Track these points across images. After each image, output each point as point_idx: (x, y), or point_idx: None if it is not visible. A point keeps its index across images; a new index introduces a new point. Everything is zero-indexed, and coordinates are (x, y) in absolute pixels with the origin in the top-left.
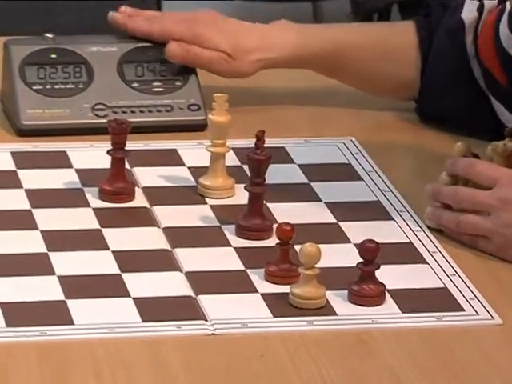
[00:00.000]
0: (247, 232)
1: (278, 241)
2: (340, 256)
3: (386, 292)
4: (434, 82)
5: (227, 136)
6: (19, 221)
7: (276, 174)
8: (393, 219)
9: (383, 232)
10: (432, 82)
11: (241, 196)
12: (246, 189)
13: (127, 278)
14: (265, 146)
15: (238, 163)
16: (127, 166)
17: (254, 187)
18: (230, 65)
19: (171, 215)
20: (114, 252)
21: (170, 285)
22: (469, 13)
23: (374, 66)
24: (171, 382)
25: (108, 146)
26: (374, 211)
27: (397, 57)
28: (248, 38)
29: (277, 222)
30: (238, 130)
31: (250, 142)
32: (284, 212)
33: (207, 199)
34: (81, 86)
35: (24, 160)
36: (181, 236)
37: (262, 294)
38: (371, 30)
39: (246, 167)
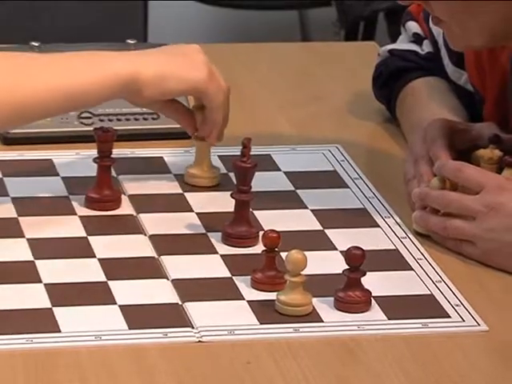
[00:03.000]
0: (233, 239)
1: (264, 248)
2: (326, 263)
3: (372, 299)
4: None
5: None
6: (5, 229)
7: (262, 182)
8: (379, 226)
9: (369, 239)
10: None
11: (227, 203)
12: (232, 196)
13: (113, 285)
14: (251, 153)
15: (225, 171)
16: (113, 173)
17: (240, 195)
18: None
19: (157, 223)
20: (100, 260)
21: (156, 292)
22: None
23: None
24: None
25: (94, 153)
26: (359, 218)
27: None
28: None
29: (263, 229)
30: (224, 138)
31: (236, 150)
32: (270, 219)
33: (194, 207)
34: None
35: (10, 168)
36: (167, 243)
37: (248, 301)
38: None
39: (232, 175)
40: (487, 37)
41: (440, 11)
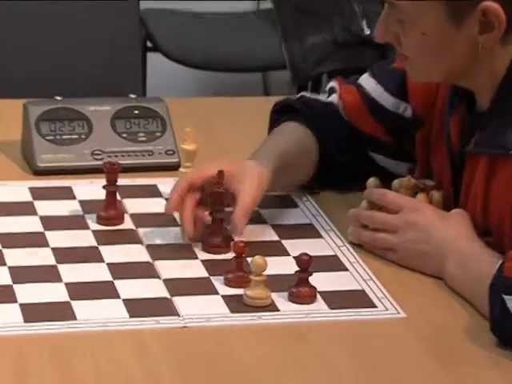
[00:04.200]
0: (211, 248)
1: (234, 254)
2: (282, 266)
3: (318, 293)
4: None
5: (194, 160)
6: (35, 240)
7: None
8: (322, 237)
9: (315, 247)
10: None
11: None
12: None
13: (118, 283)
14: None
15: None
16: (118, 197)
17: (216, 213)
18: None
19: (152, 235)
20: (107, 264)
21: (151, 288)
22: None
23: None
24: (153, 364)
25: (103, 182)
26: (307, 231)
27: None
28: None
29: (233, 240)
30: None
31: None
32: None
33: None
34: (83, 137)
35: (39, 193)
36: (160, 251)
37: (222, 296)
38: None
39: None
40: (444, 76)
41: (408, 51)
